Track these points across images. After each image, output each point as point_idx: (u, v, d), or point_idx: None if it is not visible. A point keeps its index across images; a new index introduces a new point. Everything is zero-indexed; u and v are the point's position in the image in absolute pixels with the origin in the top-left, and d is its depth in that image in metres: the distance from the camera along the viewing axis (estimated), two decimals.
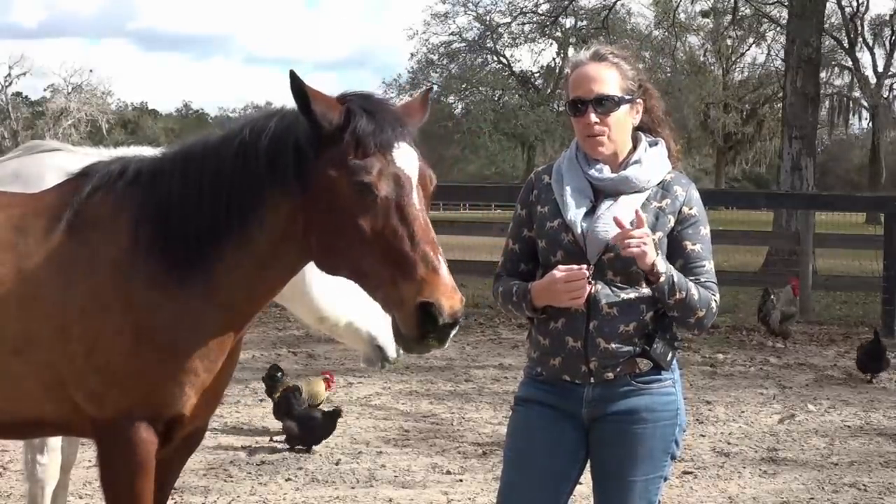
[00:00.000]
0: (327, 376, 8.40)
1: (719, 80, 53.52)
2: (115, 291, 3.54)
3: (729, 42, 52.35)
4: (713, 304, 3.59)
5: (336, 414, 7.91)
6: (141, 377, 3.54)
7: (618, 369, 3.57)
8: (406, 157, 3.34)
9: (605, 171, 3.60)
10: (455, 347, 12.28)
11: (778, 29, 41.76)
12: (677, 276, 3.50)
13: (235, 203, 3.48)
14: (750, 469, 7.53)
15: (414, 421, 8.76)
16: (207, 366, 3.62)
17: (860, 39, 48.56)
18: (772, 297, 12.90)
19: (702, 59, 54.24)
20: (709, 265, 3.62)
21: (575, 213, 3.57)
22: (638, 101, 3.65)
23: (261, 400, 9.36)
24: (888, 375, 11.00)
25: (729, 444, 8.19)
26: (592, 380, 3.58)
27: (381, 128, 3.31)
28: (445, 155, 48.97)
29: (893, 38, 50.74)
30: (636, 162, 3.61)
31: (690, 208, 3.61)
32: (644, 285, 3.53)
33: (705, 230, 3.64)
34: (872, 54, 50.51)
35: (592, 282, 3.52)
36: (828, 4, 27.34)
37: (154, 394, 3.57)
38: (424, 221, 3.29)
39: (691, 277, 3.57)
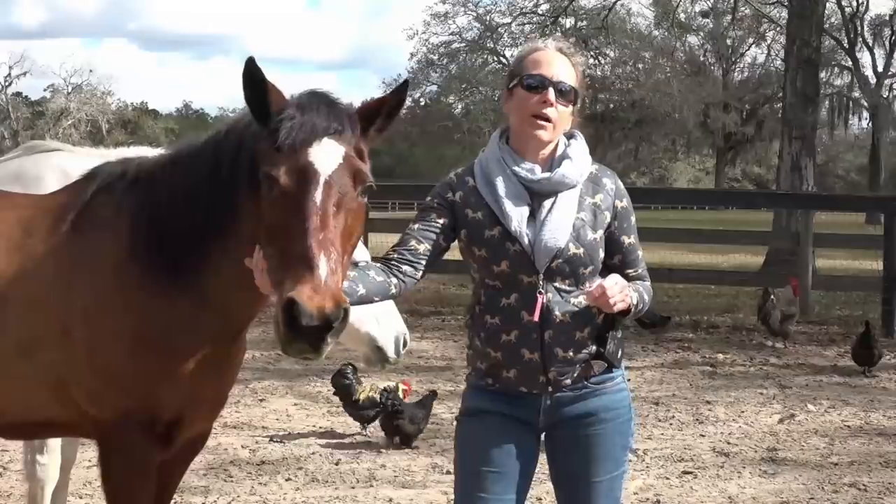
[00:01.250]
0: (406, 387, 8.32)
1: (719, 80, 53.55)
2: (114, 293, 3.55)
3: (729, 42, 52.38)
4: (651, 293, 3.66)
5: (433, 397, 8.20)
6: (139, 379, 3.55)
7: (574, 375, 3.54)
8: (324, 154, 3.14)
9: (538, 171, 3.53)
10: (455, 347, 12.27)
11: (778, 29, 41.80)
12: (635, 295, 3.52)
13: (213, 205, 3.46)
14: (750, 469, 7.53)
15: None
16: (205, 369, 3.61)
17: (860, 39, 48.58)
18: (772, 297, 12.89)
19: (702, 59, 54.27)
20: (640, 252, 3.68)
21: (518, 222, 3.48)
22: (581, 96, 3.61)
23: (261, 400, 9.37)
24: (888, 376, 11.01)
25: (729, 444, 8.18)
26: (550, 389, 3.54)
27: (303, 122, 3.16)
28: (445, 155, 49.00)
29: (893, 38, 50.76)
30: (565, 157, 3.56)
31: (622, 201, 3.60)
32: (589, 286, 3.48)
33: (633, 218, 3.66)
34: (872, 54, 50.59)
35: (543, 291, 3.47)
36: (828, 4, 27.37)
37: (152, 396, 3.57)
38: (321, 219, 3.06)
39: (630, 270, 3.60)
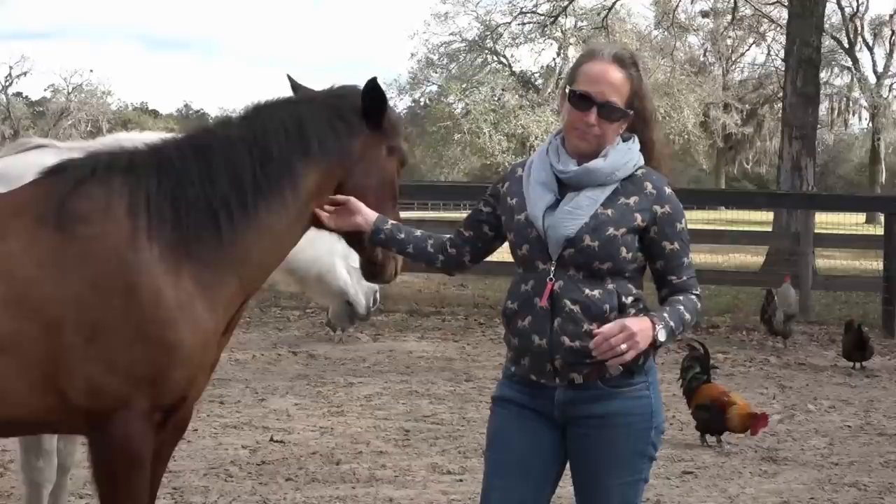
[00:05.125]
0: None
1: (719, 80, 53.53)
2: (115, 279, 3.55)
3: (729, 42, 52.38)
4: (698, 304, 3.58)
5: None
6: (143, 363, 3.55)
7: (585, 372, 3.53)
8: None
9: (571, 166, 3.58)
10: (455, 347, 12.28)
11: (778, 29, 41.79)
12: (673, 320, 3.47)
13: (268, 173, 3.80)
14: (750, 469, 7.53)
15: (414, 421, 8.76)
16: (212, 344, 3.68)
17: (860, 39, 48.61)
18: (776, 299, 12.87)
19: (702, 59, 54.28)
20: (687, 259, 3.62)
21: (537, 207, 3.56)
22: (630, 113, 3.61)
23: (261, 400, 9.36)
24: (888, 376, 11.01)
25: (729, 444, 8.18)
26: (558, 380, 3.55)
27: (397, 119, 4.15)
28: (445, 155, 49.02)
29: (893, 38, 50.77)
30: (602, 155, 3.58)
31: (663, 206, 3.56)
32: (609, 283, 3.51)
33: (681, 225, 3.61)
34: (872, 54, 50.62)
35: (553, 279, 3.51)
36: (828, 4, 27.35)
37: (157, 380, 3.57)
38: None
39: (672, 276, 3.57)
